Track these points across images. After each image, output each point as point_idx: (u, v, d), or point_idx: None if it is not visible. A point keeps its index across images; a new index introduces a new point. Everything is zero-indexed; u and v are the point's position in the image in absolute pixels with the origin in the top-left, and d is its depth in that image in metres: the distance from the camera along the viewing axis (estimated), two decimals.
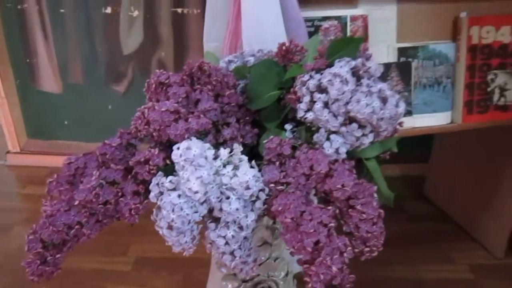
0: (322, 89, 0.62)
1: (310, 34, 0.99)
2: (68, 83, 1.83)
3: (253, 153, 0.70)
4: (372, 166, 0.73)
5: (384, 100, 0.60)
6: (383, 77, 1.07)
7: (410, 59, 1.07)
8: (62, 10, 1.70)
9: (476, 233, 1.42)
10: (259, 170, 0.62)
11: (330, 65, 0.66)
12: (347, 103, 0.60)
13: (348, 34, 1.00)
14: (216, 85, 0.69)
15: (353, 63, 0.63)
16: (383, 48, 1.06)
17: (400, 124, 0.64)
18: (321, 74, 0.64)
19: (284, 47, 0.72)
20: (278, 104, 0.70)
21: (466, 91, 1.10)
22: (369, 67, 0.63)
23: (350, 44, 0.68)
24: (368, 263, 0.60)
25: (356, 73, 0.63)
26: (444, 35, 1.10)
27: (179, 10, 1.64)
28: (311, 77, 0.64)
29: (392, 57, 1.07)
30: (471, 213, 1.43)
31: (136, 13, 1.67)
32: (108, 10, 1.68)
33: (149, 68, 1.75)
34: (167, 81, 0.68)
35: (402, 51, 1.07)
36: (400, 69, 1.07)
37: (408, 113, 1.09)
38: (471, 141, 1.41)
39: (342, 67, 0.62)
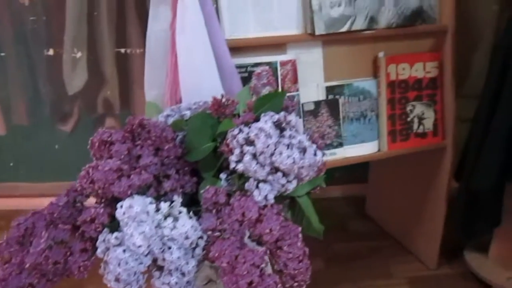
0: (250, 142, 0.70)
1: (244, 80, 1.07)
2: (12, 124, 1.82)
3: (193, 200, 0.77)
4: (304, 203, 0.81)
5: (303, 150, 0.69)
6: (314, 114, 1.17)
7: (337, 96, 1.18)
8: (2, 54, 1.70)
9: (412, 247, 1.55)
10: (198, 217, 0.69)
11: (257, 118, 0.74)
12: (272, 154, 0.68)
13: (279, 77, 1.10)
14: (156, 140, 0.75)
15: (276, 117, 0.72)
16: (312, 87, 1.17)
17: (321, 170, 0.73)
18: (249, 127, 0.72)
19: (216, 101, 0.79)
20: (214, 154, 0.77)
21: (389, 122, 1.23)
22: (290, 120, 0.71)
23: (274, 98, 0.76)
24: (313, 283, 0.68)
25: (279, 126, 0.72)
26: (366, 73, 1.22)
27: (122, 50, 1.69)
28: (240, 130, 0.72)
29: (321, 95, 1.17)
30: (406, 228, 1.56)
31: (79, 54, 1.70)
32: (51, 52, 1.70)
33: (96, 107, 1.78)
34: (109, 139, 0.74)
35: (330, 89, 1.18)
36: (329, 106, 1.18)
37: (339, 144, 1.20)
38: (401, 162, 1.54)
39: (266, 121, 0.70)
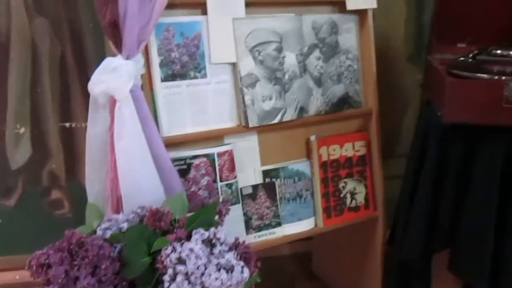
0: (182, 261, 0.75)
1: (183, 171, 1.13)
2: None
3: None
4: None
5: (231, 269, 0.74)
6: (253, 197, 1.24)
7: (274, 179, 1.26)
8: None
9: None
10: None
11: (189, 234, 0.79)
12: (202, 274, 0.73)
13: (217, 167, 1.16)
14: (93, 259, 0.78)
15: (206, 234, 0.77)
16: (250, 172, 1.24)
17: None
18: (182, 244, 0.77)
19: (152, 213, 0.84)
20: (151, 267, 0.82)
21: (323, 199, 1.31)
22: (219, 237, 0.77)
23: (206, 211, 0.82)
24: None
25: (209, 242, 0.77)
26: (300, 155, 1.30)
27: (67, 124, 1.71)
28: (173, 249, 0.77)
29: (258, 179, 1.24)
30: (350, 283, 1.63)
31: (22, 130, 1.70)
32: None
33: (41, 180, 1.77)
34: (46, 261, 0.77)
35: (266, 173, 1.25)
36: (266, 189, 1.25)
37: (278, 224, 1.27)
38: (340, 228, 1.62)
39: (197, 241, 0.76)
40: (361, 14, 1.33)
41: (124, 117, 0.97)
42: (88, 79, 1.02)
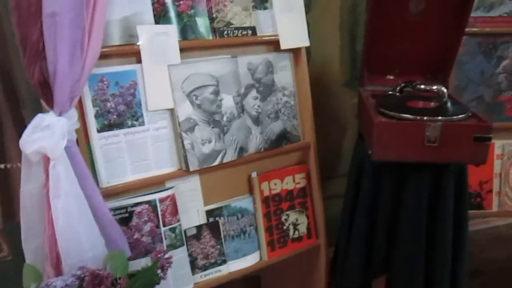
0: None
1: (125, 219, 1.13)
2: None
3: None
4: None
5: None
6: (197, 237, 1.25)
7: (217, 218, 1.27)
8: None
9: None
10: None
11: None
12: None
13: (159, 213, 1.16)
14: None
15: None
16: (193, 213, 1.25)
17: None
18: None
19: (92, 277, 0.84)
20: None
21: (267, 233, 1.35)
22: None
23: (146, 274, 0.83)
24: None
25: None
26: (242, 192, 1.33)
27: (2, 165, 1.64)
28: None
29: (202, 219, 1.26)
30: None
31: None
32: None
33: None
34: None
35: (209, 213, 1.27)
36: (211, 228, 1.27)
37: (223, 262, 1.29)
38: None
39: None
40: (295, 51, 1.37)
41: (59, 175, 0.96)
42: (21, 116, 0.99)
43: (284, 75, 1.36)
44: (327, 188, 1.87)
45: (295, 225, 1.40)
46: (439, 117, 1.14)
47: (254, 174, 1.33)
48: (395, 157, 1.15)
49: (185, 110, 1.16)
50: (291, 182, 1.40)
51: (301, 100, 1.40)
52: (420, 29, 1.37)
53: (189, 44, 1.18)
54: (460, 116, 1.17)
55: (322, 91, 1.91)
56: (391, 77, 1.48)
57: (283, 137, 1.36)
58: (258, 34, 1.29)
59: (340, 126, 1.97)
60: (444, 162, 1.17)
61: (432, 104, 1.28)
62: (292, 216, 1.40)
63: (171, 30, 1.13)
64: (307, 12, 1.80)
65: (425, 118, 1.13)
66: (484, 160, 1.14)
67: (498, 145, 1.62)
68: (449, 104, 1.27)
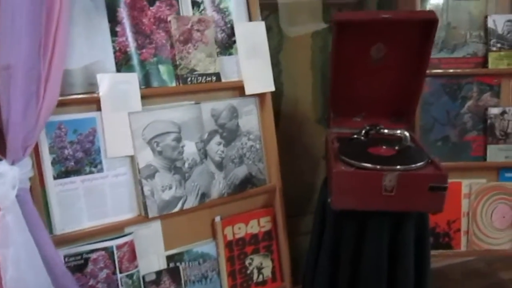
0: None
1: (80, 267, 1.12)
2: None
3: None
4: None
5: None
6: (157, 283, 1.23)
7: (178, 264, 1.26)
8: None
9: None
10: None
11: None
12: None
13: (116, 260, 1.15)
14: None
15: None
16: (153, 258, 1.24)
17: None
18: None
19: None
20: None
21: (229, 278, 1.34)
22: None
23: None
24: None
25: None
26: (205, 236, 1.33)
27: None
28: None
29: (162, 264, 1.25)
30: None
31: None
32: None
33: None
34: None
35: (170, 258, 1.26)
36: (171, 273, 1.25)
37: None
38: None
39: None
40: (260, 95, 1.39)
41: (8, 225, 0.95)
42: None
43: (249, 120, 1.37)
44: (300, 224, 1.87)
45: (259, 269, 1.39)
46: (397, 166, 1.16)
47: (217, 219, 1.33)
48: (354, 205, 1.16)
49: (146, 157, 1.17)
50: (256, 226, 1.39)
51: (266, 143, 1.41)
52: (382, 73, 1.39)
53: (151, 92, 1.19)
54: (418, 164, 1.18)
55: (295, 128, 1.93)
56: (358, 119, 1.50)
57: (248, 181, 1.36)
58: (223, 80, 1.31)
59: (313, 163, 1.97)
60: (402, 211, 1.17)
61: (396, 148, 1.29)
62: (257, 260, 1.39)
63: (132, 78, 1.15)
64: (278, 51, 1.85)
65: (383, 167, 1.14)
66: (441, 209, 1.15)
67: (465, 184, 1.64)
68: (411, 149, 1.28)
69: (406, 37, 1.32)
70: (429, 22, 1.25)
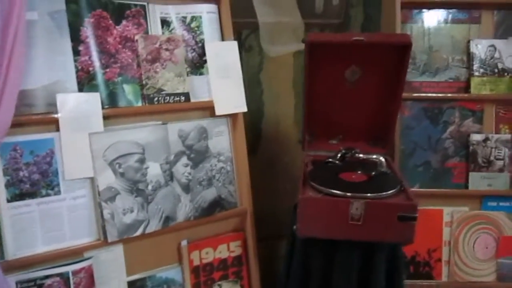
0: None
1: None
2: None
3: None
4: None
5: None
6: None
7: None
8: None
9: None
10: None
11: None
12: None
13: (71, 286, 1.11)
14: None
15: None
16: (114, 284, 1.19)
17: None
18: None
19: None
20: None
21: None
22: None
23: None
24: None
25: None
26: (171, 260, 1.28)
27: None
28: None
29: None
30: None
31: None
32: None
33: None
34: None
35: (132, 284, 1.21)
36: None
37: None
38: None
39: None
40: (232, 116, 1.36)
41: None
42: None
43: (220, 141, 1.33)
44: (280, 247, 1.82)
45: None
46: (367, 194, 1.11)
47: (184, 243, 1.28)
48: (320, 234, 1.11)
49: (106, 179, 1.13)
50: (225, 251, 1.35)
51: (238, 165, 1.38)
52: (358, 95, 1.36)
53: (115, 112, 1.16)
54: (389, 192, 1.14)
55: (277, 148, 1.90)
56: (334, 142, 1.46)
57: (217, 204, 1.32)
58: (192, 100, 1.28)
59: (295, 183, 1.93)
60: (370, 241, 1.13)
61: (372, 174, 1.25)
62: (225, 286, 1.35)
63: (94, 98, 1.12)
64: (259, 71, 1.83)
65: (350, 194, 1.10)
66: (411, 239, 1.10)
67: (446, 212, 1.60)
68: (385, 175, 1.24)
69: (381, 60, 1.29)
70: (403, 45, 1.22)
